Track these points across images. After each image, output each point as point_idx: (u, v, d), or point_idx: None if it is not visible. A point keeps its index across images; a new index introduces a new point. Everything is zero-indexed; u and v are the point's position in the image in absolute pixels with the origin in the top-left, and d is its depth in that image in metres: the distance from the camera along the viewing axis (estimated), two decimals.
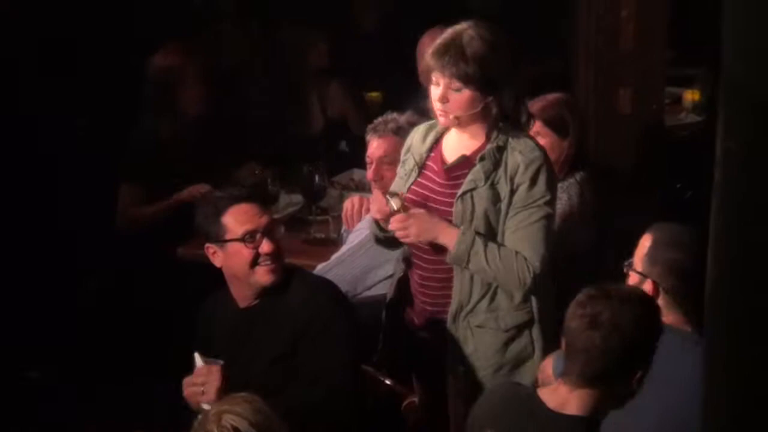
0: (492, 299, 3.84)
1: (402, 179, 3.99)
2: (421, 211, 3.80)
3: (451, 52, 3.70)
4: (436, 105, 3.78)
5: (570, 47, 5.63)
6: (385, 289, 4.34)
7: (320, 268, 4.47)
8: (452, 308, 3.86)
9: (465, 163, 3.84)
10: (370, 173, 4.51)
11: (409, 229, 3.77)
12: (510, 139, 3.77)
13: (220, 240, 3.70)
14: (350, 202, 4.77)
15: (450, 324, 3.87)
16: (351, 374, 3.71)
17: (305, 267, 4.38)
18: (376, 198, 4.05)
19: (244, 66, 6.57)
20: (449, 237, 3.75)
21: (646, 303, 3.02)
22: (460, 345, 3.88)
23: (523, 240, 3.74)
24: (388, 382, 3.96)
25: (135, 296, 5.24)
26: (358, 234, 4.54)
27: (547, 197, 3.76)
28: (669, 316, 3.36)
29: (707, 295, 1.99)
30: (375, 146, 4.48)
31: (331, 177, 5.52)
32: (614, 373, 2.94)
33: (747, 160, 1.82)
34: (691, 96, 6.72)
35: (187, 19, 6.28)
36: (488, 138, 3.80)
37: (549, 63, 6.07)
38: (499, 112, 3.77)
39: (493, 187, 3.76)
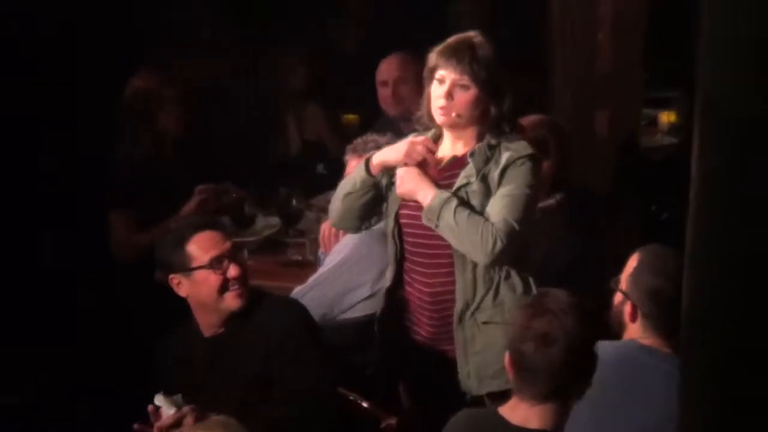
0: (496, 294, 3.84)
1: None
2: (410, 168, 3.84)
3: (463, 50, 3.78)
4: (439, 102, 3.81)
5: (547, 70, 5.65)
6: (362, 311, 4.34)
7: (297, 291, 4.46)
8: (457, 308, 3.85)
9: (456, 162, 3.87)
10: None
11: (402, 181, 3.84)
12: (503, 140, 3.82)
13: (186, 269, 3.69)
14: (327, 225, 4.76)
15: (456, 325, 3.87)
16: (328, 389, 3.70)
17: (282, 289, 4.38)
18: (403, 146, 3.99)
19: (223, 88, 6.56)
20: (429, 193, 3.78)
21: (583, 307, 3.01)
22: (468, 344, 3.88)
23: (495, 209, 3.75)
24: (365, 404, 3.94)
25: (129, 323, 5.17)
26: (335, 256, 4.53)
27: (531, 182, 3.78)
28: (648, 338, 3.38)
29: (683, 314, 1.99)
30: (353, 165, 4.50)
31: (308, 199, 5.51)
32: (572, 385, 2.96)
33: (722, 179, 1.82)
34: (667, 117, 6.75)
35: (166, 43, 6.26)
36: (480, 140, 3.84)
37: (526, 86, 6.09)
38: (497, 116, 3.81)
39: (484, 180, 3.79)
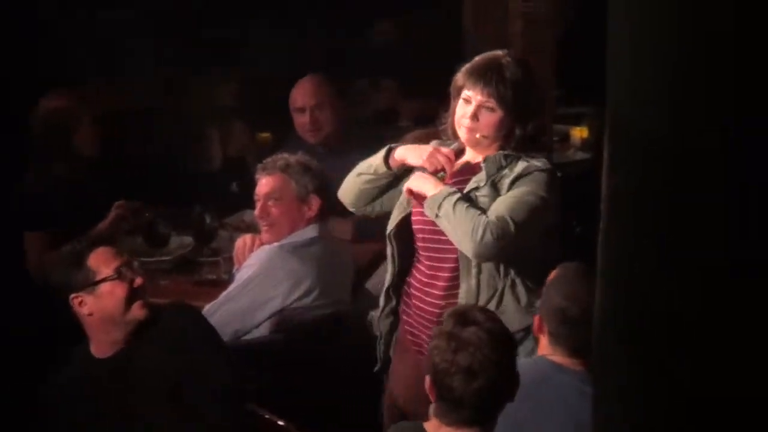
0: (499, 302, 3.82)
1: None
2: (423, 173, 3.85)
3: (492, 72, 3.77)
4: (464, 122, 3.81)
5: None
6: (268, 329, 4.36)
7: (208, 308, 4.43)
8: None
9: (468, 168, 3.89)
10: (257, 210, 4.59)
11: (414, 178, 3.84)
12: (524, 154, 3.82)
13: (90, 284, 3.66)
14: (242, 240, 4.75)
15: None
16: (232, 407, 3.69)
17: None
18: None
19: (143, 107, 6.52)
20: (435, 187, 3.78)
21: (502, 331, 3.02)
22: None
23: (496, 206, 3.73)
24: (280, 422, 3.92)
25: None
26: (246, 271, 4.52)
27: (541, 193, 3.76)
28: (556, 355, 3.41)
29: (594, 332, 2.00)
30: (263, 183, 4.54)
31: (222, 218, 5.48)
32: (497, 408, 2.98)
33: (632, 199, 1.84)
34: (579, 133, 6.82)
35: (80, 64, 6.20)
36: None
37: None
38: (521, 137, 3.82)
39: (494, 185, 3.78)
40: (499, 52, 3.86)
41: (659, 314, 1.81)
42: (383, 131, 6.34)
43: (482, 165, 3.81)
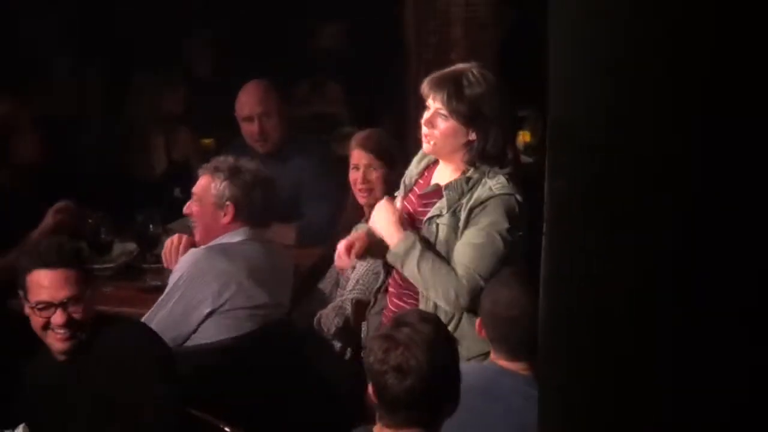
0: (456, 327, 3.81)
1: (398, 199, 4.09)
2: (387, 203, 3.91)
3: (449, 81, 3.77)
4: (423, 129, 3.84)
5: (403, 93, 5.70)
6: (216, 335, 4.35)
7: (147, 317, 4.39)
8: None
9: (436, 191, 3.89)
10: (185, 207, 4.63)
11: (375, 216, 3.93)
12: (486, 176, 3.80)
13: (24, 294, 3.61)
14: (170, 240, 4.71)
15: None
16: (169, 415, 3.65)
17: (141, 316, 4.31)
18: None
19: (82, 112, 6.48)
20: (395, 237, 3.82)
21: (437, 333, 3.03)
22: None
23: (460, 259, 3.76)
24: (227, 429, 3.91)
25: None
26: (174, 275, 4.47)
27: (501, 225, 3.75)
28: (500, 359, 3.44)
29: (540, 337, 2.01)
30: (202, 185, 4.52)
31: (166, 224, 5.45)
32: (436, 410, 3.00)
33: (573, 199, 1.85)
34: (522, 137, 6.83)
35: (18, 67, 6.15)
36: (464, 173, 3.84)
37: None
38: (481, 151, 3.80)
39: (454, 214, 3.79)
40: (466, 65, 3.87)
41: (601, 316, 1.83)
42: (326, 135, 6.38)
43: (444, 193, 3.82)
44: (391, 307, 4.06)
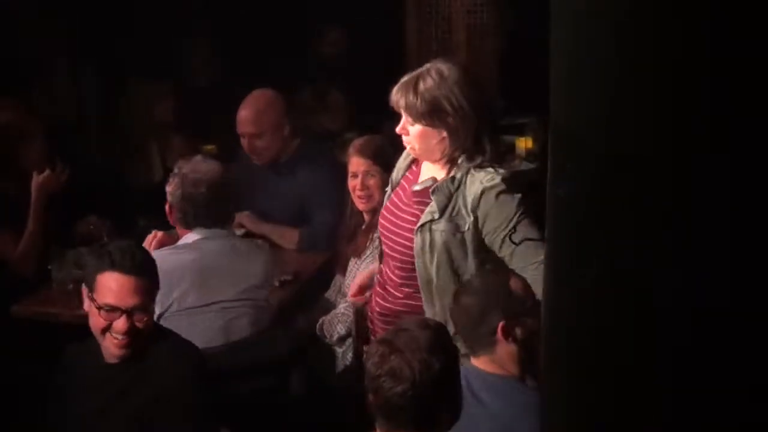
0: None
1: (385, 196, 4.11)
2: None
3: (405, 87, 3.75)
4: (403, 137, 3.84)
5: None
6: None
7: None
8: None
9: (426, 191, 3.84)
10: None
11: None
12: (470, 173, 3.75)
13: (90, 293, 3.58)
14: (152, 235, 4.75)
15: None
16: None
17: None
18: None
19: (82, 120, 6.49)
20: None
21: (436, 340, 3.03)
22: None
23: (530, 256, 3.64)
24: None
25: None
26: None
27: (520, 211, 3.69)
28: (478, 361, 3.44)
29: (543, 341, 2.02)
30: None
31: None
32: (434, 417, 2.98)
33: (575, 206, 1.85)
34: (524, 143, 6.84)
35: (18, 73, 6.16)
36: (449, 172, 3.80)
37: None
38: (455, 147, 3.76)
39: (451, 219, 3.74)
40: (429, 64, 3.81)
41: (604, 322, 1.83)
42: (329, 142, 6.38)
43: (432, 198, 3.77)
44: (374, 306, 4.07)
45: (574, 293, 1.87)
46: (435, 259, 3.77)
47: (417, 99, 3.71)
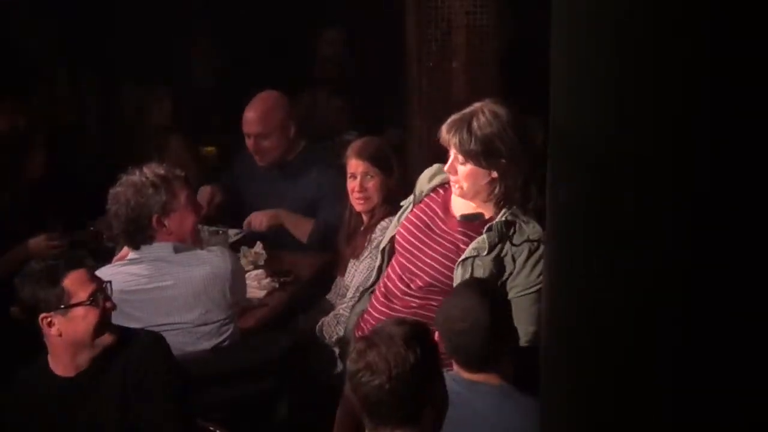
0: None
1: (402, 210, 4.11)
2: None
3: (458, 125, 3.75)
4: (450, 175, 3.84)
5: (403, 97, 5.70)
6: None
7: None
8: None
9: (474, 225, 3.88)
10: None
11: None
12: (519, 219, 3.80)
13: (63, 306, 3.57)
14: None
15: None
16: (183, 427, 3.67)
17: None
18: None
19: (79, 123, 6.48)
20: None
21: (413, 336, 3.03)
22: None
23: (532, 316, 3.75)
24: None
25: None
26: None
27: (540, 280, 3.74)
28: (461, 372, 3.44)
29: (543, 342, 2.02)
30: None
31: None
32: (418, 412, 2.97)
33: (575, 207, 1.86)
34: None
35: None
36: (497, 210, 3.83)
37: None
38: (504, 190, 3.79)
39: (498, 258, 3.79)
40: (479, 104, 3.82)
41: (605, 323, 1.83)
42: (329, 143, 6.38)
43: (485, 235, 3.80)
44: (372, 311, 4.06)
45: (574, 293, 1.88)
46: None
47: (471, 137, 3.72)
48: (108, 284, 3.72)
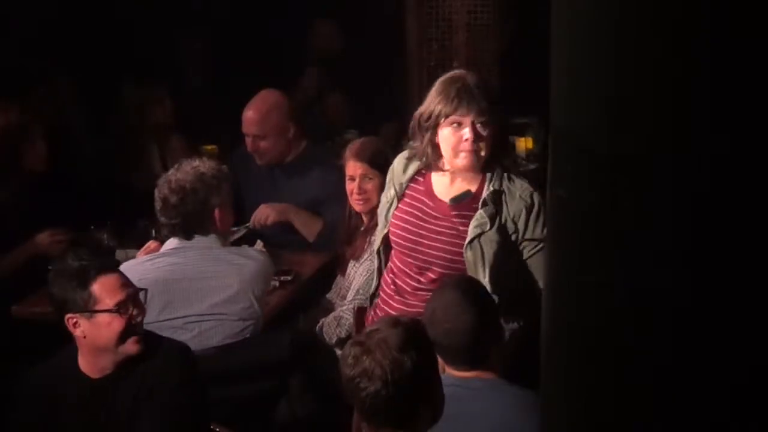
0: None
1: (384, 206, 4.07)
2: None
3: (473, 90, 3.75)
4: (465, 146, 3.78)
5: (405, 97, 5.71)
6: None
7: None
8: None
9: (467, 204, 3.87)
10: None
11: None
12: (504, 182, 3.82)
13: (88, 310, 3.56)
14: (146, 246, 4.74)
15: None
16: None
17: None
18: None
19: (80, 122, 6.48)
20: None
21: (409, 338, 3.02)
22: None
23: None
24: None
25: None
26: None
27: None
28: (453, 370, 3.43)
29: (543, 341, 2.01)
30: None
31: None
32: (413, 415, 2.97)
33: (575, 206, 1.85)
34: (524, 144, 6.84)
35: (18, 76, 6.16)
36: (483, 179, 3.85)
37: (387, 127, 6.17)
38: (491, 149, 3.80)
39: (500, 229, 3.80)
40: (458, 72, 3.84)
41: (604, 322, 1.83)
42: (329, 142, 6.38)
43: (481, 210, 3.80)
44: (387, 309, 4.06)
45: (574, 293, 1.87)
46: (488, 270, 3.80)
47: (489, 98, 3.76)
48: (144, 291, 3.70)
